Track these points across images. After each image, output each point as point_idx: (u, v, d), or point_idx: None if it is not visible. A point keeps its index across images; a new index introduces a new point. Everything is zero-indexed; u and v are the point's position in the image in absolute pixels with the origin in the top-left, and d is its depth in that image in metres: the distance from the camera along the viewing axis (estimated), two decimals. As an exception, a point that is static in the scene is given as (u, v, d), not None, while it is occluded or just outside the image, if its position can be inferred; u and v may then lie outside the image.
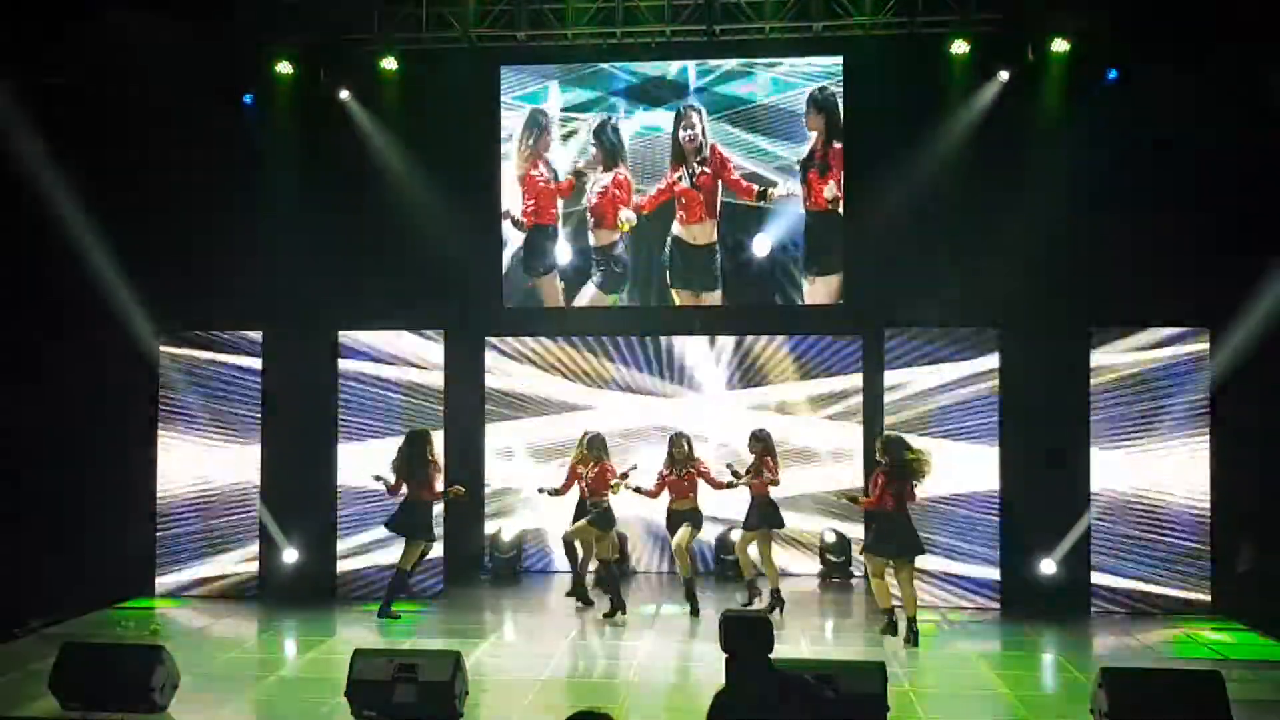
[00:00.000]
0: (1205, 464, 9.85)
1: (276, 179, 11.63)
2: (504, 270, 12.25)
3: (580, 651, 8.82)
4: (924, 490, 10.30)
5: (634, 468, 10.10)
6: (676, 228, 12.02)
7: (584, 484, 9.88)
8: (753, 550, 9.96)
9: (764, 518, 9.80)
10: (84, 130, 10.67)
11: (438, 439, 10.35)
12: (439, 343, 10.72)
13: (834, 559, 11.55)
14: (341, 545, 10.52)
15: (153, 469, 10.64)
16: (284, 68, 11.68)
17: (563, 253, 12.19)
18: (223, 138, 11.46)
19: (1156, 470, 9.91)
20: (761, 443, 9.89)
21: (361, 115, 12.05)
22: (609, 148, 12.10)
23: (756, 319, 12.07)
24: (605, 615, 9.67)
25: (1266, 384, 9.91)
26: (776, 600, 9.75)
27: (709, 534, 11.22)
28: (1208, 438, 9.86)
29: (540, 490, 10.30)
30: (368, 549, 10.50)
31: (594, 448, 9.88)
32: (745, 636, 3.87)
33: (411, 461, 9.74)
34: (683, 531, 9.78)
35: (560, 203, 12.19)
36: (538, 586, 11.32)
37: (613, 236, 12.10)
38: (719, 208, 11.97)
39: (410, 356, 10.65)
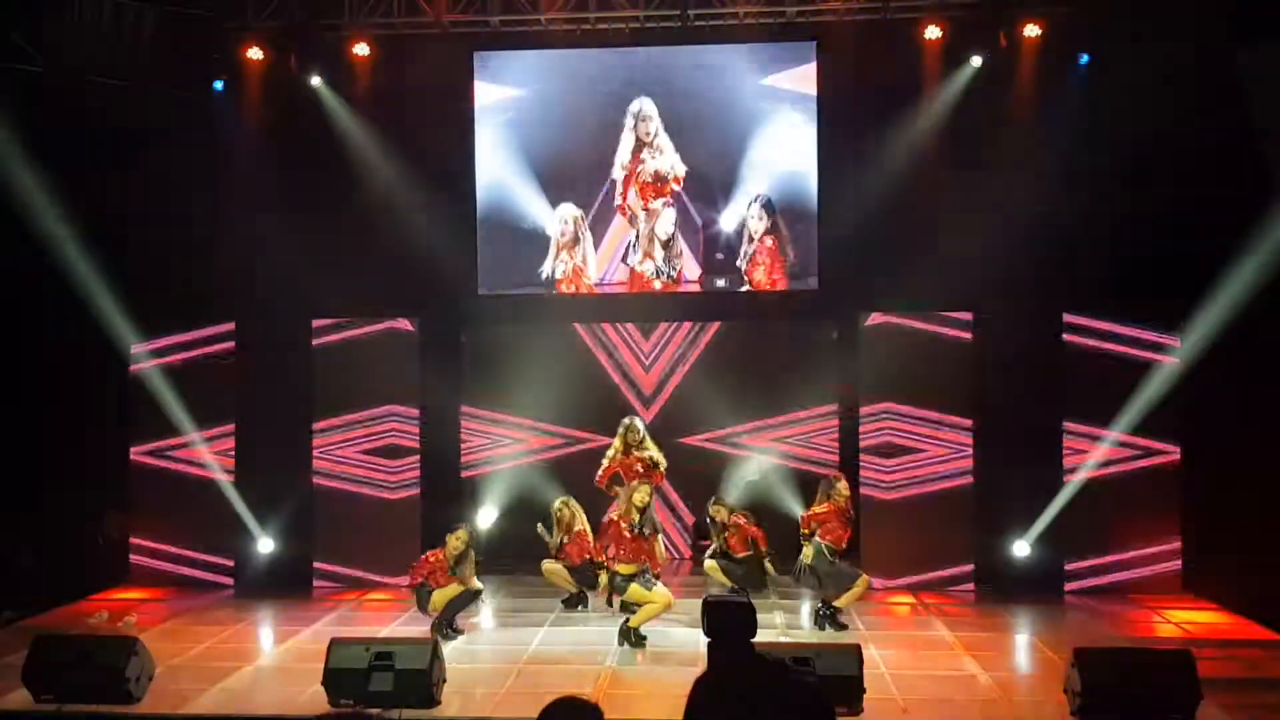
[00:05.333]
0: (1174, 445, 9.96)
1: (247, 166, 11.52)
2: (478, 257, 12.19)
3: (558, 637, 8.83)
4: (901, 474, 10.37)
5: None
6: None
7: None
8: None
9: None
10: (51, 118, 10.51)
11: (413, 427, 10.43)
12: (414, 331, 10.67)
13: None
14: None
15: (126, 460, 10.55)
16: (254, 53, 11.56)
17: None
18: (193, 124, 11.33)
19: (1129, 451, 10.00)
20: (730, 511, 9.53)
21: (333, 101, 11.95)
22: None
23: (730, 305, 12.06)
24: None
25: (1232, 367, 10.02)
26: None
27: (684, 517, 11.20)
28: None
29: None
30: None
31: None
32: (727, 621, 3.88)
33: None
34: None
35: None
36: (515, 572, 11.29)
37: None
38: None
39: (385, 345, 10.59)
